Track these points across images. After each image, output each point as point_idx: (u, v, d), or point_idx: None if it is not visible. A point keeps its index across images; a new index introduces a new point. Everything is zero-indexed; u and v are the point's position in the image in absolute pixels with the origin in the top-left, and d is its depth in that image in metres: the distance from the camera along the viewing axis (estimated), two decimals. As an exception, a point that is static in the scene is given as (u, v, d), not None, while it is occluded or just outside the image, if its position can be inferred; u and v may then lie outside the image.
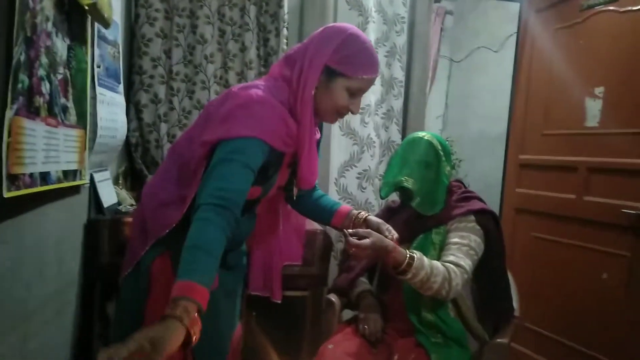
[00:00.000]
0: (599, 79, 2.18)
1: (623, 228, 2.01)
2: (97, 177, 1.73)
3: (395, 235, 1.28)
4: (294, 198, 1.38)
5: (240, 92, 1.12)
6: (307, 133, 1.15)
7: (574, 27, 2.34)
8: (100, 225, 1.68)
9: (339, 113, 1.21)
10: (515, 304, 1.55)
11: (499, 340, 1.40)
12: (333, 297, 1.63)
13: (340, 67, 1.13)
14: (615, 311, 2.05)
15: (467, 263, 1.33)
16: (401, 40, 2.42)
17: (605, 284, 2.11)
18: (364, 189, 2.40)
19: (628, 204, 2.00)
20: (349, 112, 1.22)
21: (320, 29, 1.19)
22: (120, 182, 2.05)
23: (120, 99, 1.89)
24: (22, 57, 1.06)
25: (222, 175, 1.03)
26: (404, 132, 2.48)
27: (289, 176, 1.32)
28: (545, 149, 2.46)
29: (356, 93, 1.17)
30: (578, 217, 2.25)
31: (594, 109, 2.21)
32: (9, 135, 1.02)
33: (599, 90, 2.18)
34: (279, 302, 1.50)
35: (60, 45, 1.26)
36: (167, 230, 1.16)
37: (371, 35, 2.35)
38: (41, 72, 1.16)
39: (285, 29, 2.25)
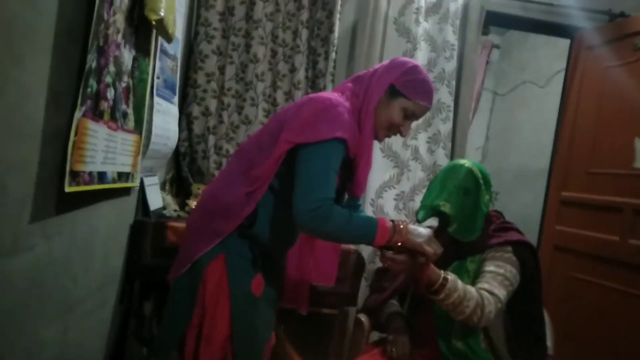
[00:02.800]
0: (650, 119, 2.14)
1: (669, 275, 1.94)
2: (147, 181, 1.81)
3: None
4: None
5: (320, 98, 1.25)
6: (367, 140, 1.28)
7: (627, 66, 2.31)
8: (146, 227, 1.76)
9: (391, 130, 1.33)
10: (549, 342, 1.50)
11: (529, 377, 1.37)
12: (363, 317, 1.63)
13: (404, 88, 1.27)
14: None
15: (501, 293, 1.31)
16: (450, 66, 2.45)
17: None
18: (400, 210, 2.41)
19: (675, 250, 1.92)
20: (398, 134, 1.34)
21: (389, 59, 1.34)
22: (166, 187, 2.14)
23: (174, 109, 1.99)
24: (94, 64, 1.15)
25: (318, 184, 1.16)
26: (451, 157, 2.48)
27: (340, 188, 1.37)
28: (589, 187, 2.40)
29: (410, 116, 1.31)
30: (621, 260, 2.17)
31: (643, 150, 2.15)
32: (75, 134, 1.11)
33: (650, 131, 2.13)
34: (305, 315, 1.52)
35: (127, 55, 1.35)
36: (231, 231, 1.23)
37: (418, 61, 2.39)
38: (108, 79, 1.24)
39: (334, 53, 2.33)
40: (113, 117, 1.32)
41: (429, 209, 1.44)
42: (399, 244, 1.19)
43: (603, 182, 2.33)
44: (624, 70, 2.31)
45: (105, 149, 1.29)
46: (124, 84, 1.37)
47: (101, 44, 1.17)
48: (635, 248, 2.11)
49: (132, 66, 1.41)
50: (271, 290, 1.37)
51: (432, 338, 1.42)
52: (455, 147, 2.50)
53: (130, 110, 1.46)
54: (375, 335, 1.66)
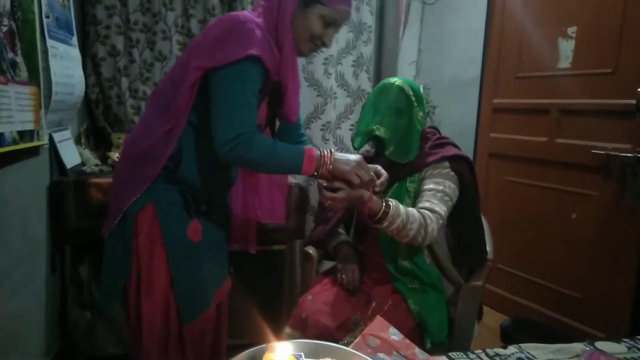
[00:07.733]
0: (572, 18, 2.15)
1: (592, 169, 2.04)
2: (57, 136, 1.64)
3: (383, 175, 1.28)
4: (275, 133, 1.39)
5: (227, 17, 1.16)
6: (289, 59, 1.18)
7: (549, -37, 2.27)
8: (65, 187, 1.61)
9: (314, 43, 1.23)
10: (488, 247, 1.57)
11: (473, 283, 1.43)
12: (311, 249, 1.62)
13: None
14: (584, 249, 2.12)
15: (442, 209, 1.32)
16: (370, -17, 2.32)
17: (575, 223, 2.17)
18: (327, 140, 2.37)
19: (598, 145, 2.02)
20: (323, 45, 1.24)
21: None
22: (83, 141, 1.95)
23: (74, 52, 1.77)
24: (-44, 8, 0.96)
25: (236, 111, 1.09)
26: (377, 80, 2.42)
27: (269, 116, 1.31)
28: (519, 92, 2.45)
29: (330, 23, 1.20)
30: (549, 160, 2.27)
31: (566, 49, 2.18)
32: (-51, 95, 0.94)
33: (572, 30, 2.15)
34: (254, 253, 1.49)
35: (0, -7, 1.15)
36: (155, 175, 1.16)
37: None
38: (-20, 24, 1.06)
39: (249, -29, 2.12)
40: (-2, 69, 1.15)
41: (365, 135, 1.40)
42: (329, 172, 1.16)
43: (531, 86, 2.38)
44: (547, -32, 2.28)
45: (-5, 107, 1.13)
46: (4, 29, 1.18)
47: (-40, -19, 0.98)
48: (562, 146, 2.21)
49: (12, 6, 1.22)
50: (215, 234, 1.33)
51: (380, 261, 1.44)
52: (382, 68, 2.43)
53: (19, 59, 1.28)
54: (325, 266, 1.66)
